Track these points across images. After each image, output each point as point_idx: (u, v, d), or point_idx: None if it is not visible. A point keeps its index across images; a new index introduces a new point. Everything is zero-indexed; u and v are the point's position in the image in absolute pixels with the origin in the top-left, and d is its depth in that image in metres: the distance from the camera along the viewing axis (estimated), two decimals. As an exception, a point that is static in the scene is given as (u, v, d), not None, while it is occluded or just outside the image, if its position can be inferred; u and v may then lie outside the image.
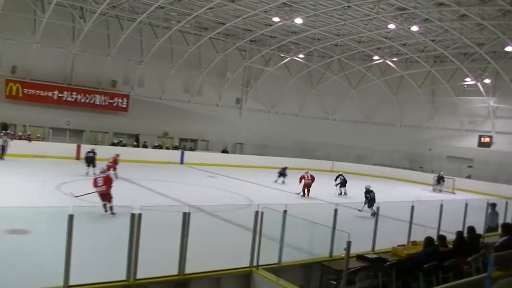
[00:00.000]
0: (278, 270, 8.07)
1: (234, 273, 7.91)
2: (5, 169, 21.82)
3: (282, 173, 26.70)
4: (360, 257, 8.89)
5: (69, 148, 29.20)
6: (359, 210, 17.50)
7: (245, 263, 8.02)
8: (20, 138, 28.29)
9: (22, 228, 10.58)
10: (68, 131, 31.42)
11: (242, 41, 34.70)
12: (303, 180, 22.11)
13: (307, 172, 22.52)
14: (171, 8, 29.17)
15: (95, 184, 13.93)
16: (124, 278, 6.77)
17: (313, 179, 22.25)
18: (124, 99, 33.77)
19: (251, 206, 15.62)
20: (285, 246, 8.34)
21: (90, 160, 22.71)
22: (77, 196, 15.24)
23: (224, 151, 37.04)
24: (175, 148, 34.99)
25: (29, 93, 30.21)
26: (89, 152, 23.27)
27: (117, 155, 22.10)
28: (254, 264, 7.95)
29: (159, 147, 33.96)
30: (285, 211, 8.19)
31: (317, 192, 22.07)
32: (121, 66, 33.67)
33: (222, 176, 27.74)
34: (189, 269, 7.27)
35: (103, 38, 32.22)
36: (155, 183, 21.20)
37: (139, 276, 6.83)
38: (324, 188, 23.59)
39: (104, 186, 13.76)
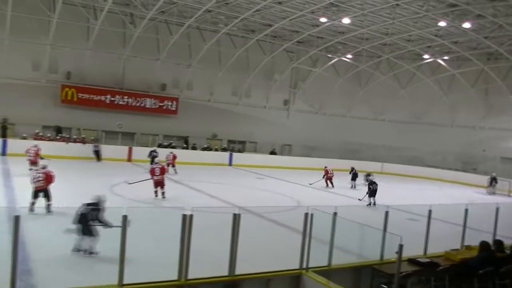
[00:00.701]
0: (328, 272, 8.00)
1: (284, 275, 7.90)
2: (58, 171, 22.55)
3: (354, 177, 26.27)
4: (411, 261, 8.65)
5: (121, 150, 30.07)
6: (359, 199, 20.17)
7: (294, 265, 8.00)
8: (75, 141, 29.34)
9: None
10: (120, 133, 32.28)
11: (289, 43, 34.64)
12: (326, 175, 25.46)
13: (326, 167, 26.07)
14: (218, 12, 29.45)
15: (153, 173, 16.76)
16: (175, 278, 6.89)
17: (333, 173, 25.69)
18: (174, 102, 34.40)
19: (299, 208, 15.62)
20: (334, 248, 8.28)
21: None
22: (130, 183, 18.15)
23: (272, 152, 37.10)
24: (224, 150, 35.30)
25: (83, 97, 31.28)
26: (152, 151, 26.85)
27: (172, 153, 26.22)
28: (304, 266, 7.92)
29: (208, 149, 34.36)
30: (335, 213, 8.13)
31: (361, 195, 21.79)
32: (170, 70, 34.29)
33: (270, 178, 27.78)
34: (239, 270, 7.32)
35: (153, 43, 32.93)
36: (205, 185, 21.47)
37: (190, 276, 6.93)
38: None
39: (160, 176, 16.65)
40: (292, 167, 27.99)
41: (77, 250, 9.12)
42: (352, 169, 27.15)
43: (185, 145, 34.10)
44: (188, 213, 6.73)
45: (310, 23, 30.90)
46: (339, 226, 8.17)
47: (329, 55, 37.61)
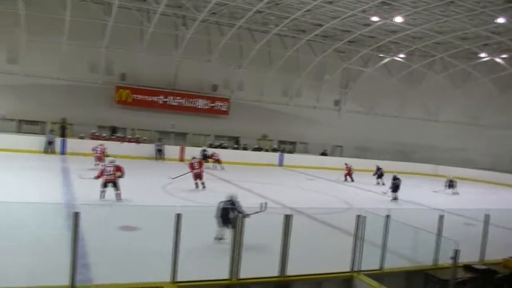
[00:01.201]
0: (379, 276, 7.91)
1: (335, 277, 7.87)
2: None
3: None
4: (467, 267, 8.37)
5: (174, 150, 30.71)
6: (383, 192, 21.79)
7: (345, 267, 7.95)
8: (129, 140, 30.21)
9: (132, 225, 11.27)
10: (173, 133, 32.92)
11: (340, 43, 34.31)
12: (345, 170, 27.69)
13: (347, 164, 28.37)
14: (269, 12, 29.53)
15: (192, 167, 19.00)
16: (227, 277, 7.00)
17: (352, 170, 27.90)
18: (225, 102, 34.79)
19: (350, 210, 15.49)
20: (386, 251, 8.17)
21: (206, 157, 27.87)
22: (173, 178, 19.45)
23: (323, 153, 36.87)
24: (274, 150, 35.36)
25: (137, 98, 32.16)
26: (203, 150, 28.86)
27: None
28: (355, 269, 7.87)
29: (259, 149, 34.53)
30: (387, 216, 8.02)
31: (417, 198, 21.34)
32: (222, 71, 34.69)
33: (320, 179, 27.63)
34: (290, 271, 7.35)
35: (204, 44, 33.39)
36: (255, 185, 21.57)
37: (241, 276, 7.01)
38: (425, 192, 22.70)
39: (199, 169, 18.89)
40: (343, 168, 27.73)
41: (218, 239, 10.19)
42: (379, 168, 27.32)
43: (236, 146, 34.41)
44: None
45: (361, 23, 30.48)
46: (391, 228, 8.06)
47: (381, 55, 36.99)
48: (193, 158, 19.88)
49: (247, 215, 9.20)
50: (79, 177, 18.70)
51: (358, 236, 7.81)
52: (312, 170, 31.35)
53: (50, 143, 27.52)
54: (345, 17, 28.79)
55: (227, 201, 10.39)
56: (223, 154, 29.18)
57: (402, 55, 36.66)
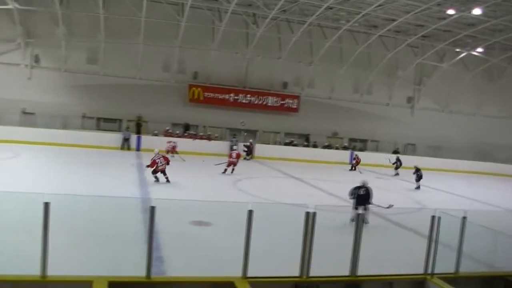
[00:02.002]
0: (454, 280, 7.61)
1: (407, 279, 7.68)
2: (187, 166, 23.87)
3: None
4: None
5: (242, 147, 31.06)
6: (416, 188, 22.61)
7: (418, 269, 7.74)
8: (201, 137, 30.93)
9: (204, 220, 11.53)
10: (243, 131, 33.33)
11: (413, 37, 33.26)
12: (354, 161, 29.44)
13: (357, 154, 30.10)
14: (340, 8, 29.17)
15: (230, 156, 22.38)
16: (297, 274, 7.01)
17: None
18: (295, 100, 34.75)
19: (423, 210, 15.04)
20: (461, 254, 7.87)
21: (250, 152, 29.77)
22: (216, 164, 21.98)
23: (395, 151, 35.94)
24: (344, 148, 34.93)
25: (208, 96, 32.82)
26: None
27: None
28: (429, 271, 7.64)
29: (329, 147, 34.24)
30: (464, 218, 7.72)
31: (495, 199, 20.39)
32: (292, 68, 34.65)
33: (391, 177, 27.01)
34: (361, 270, 7.25)
35: (275, 42, 33.52)
36: (325, 183, 21.45)
37: (311, 274, 7.00)
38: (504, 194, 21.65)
39: (235, 159, 21.95)
40: (412, 168, 26.87)
41: (351, 220, 11.41)
42: (417, 169, 24.87)
43: (306, 143, 34.30)
44: (311, 210, 6.81)
45: (436, 16, 29.38)
46: (468, 231, 7.75)
47: (457, 49, 35.45)
48: (233, 150, 24.54)
49: (389, 206, 11.81)
50: (131, 165, 20.49)
51: (432, 238, 7.57)
52: (383, 168, 30.65)
53: (126, 139, 28.70)
54: (419, 11, 27.82)
55: (361, 187, 12.49)
56: (292, 151, 29.23)
57: (479, 49, 34.92)
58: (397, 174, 28.51)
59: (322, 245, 7.29)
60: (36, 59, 30.41)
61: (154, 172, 17.41)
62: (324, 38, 33.21)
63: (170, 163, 18.19)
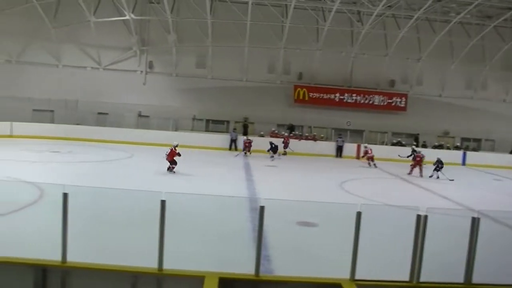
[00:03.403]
0: None
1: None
2: (291, 166, 24.01)
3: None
4: None
5: (350, 147, 30.64)
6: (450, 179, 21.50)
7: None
8: (306, 138, 30.99)
9: (309, 221, 11.52)
10: (349, 131, 32.86)
11: (534, 27, 30.83)
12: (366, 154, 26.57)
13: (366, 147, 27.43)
14: (449, 0, 27.81)
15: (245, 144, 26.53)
16: (407, 279, 6.80)
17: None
18: (403, 98, 33.62)
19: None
20: None
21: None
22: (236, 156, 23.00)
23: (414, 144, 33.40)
24: (456, 148, 33.17)
25: (313, 96, 32.79)
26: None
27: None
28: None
29: (439, 147, 32.69)
30: None
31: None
32: (399, 65, 33.58)
33: (510, 180, 25.21)
34: (476, 278, 6.86)
35: (380, 39, 32.73)
36: (436, 185, 20.55)
37: (423, 279, 6.76)
38: None
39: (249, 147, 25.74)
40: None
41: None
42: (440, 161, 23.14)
43: (415, 143, 33.01)
44: (422, 213, 6.58)
45: (561, 3, 27.01)
46: None
47: None
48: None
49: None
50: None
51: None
52: (500, 169, 28.69)
53: (233, 140, 29.50)
54: (540, -2, 25.75)
55: None
56: (400, 151, 28.16)
57: None
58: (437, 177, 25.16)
59: (433, 249, 7.02)
60: (150, 65, 32.41)
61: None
62: (432, 33, 31.78)
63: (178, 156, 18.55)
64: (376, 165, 25.90)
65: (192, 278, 6.46)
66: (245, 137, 28.31)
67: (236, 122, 32.31)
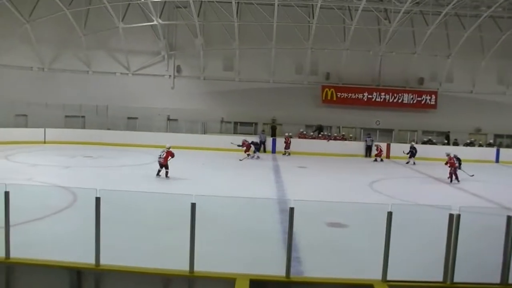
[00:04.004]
0: None
1: None
2: (320, 167, 23.92)
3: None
4: None
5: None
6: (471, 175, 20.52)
7: None
8: (335, 138, 30.81)
9: (340, 221, 11.47)
10: (378, 130, 32.53)
11: None
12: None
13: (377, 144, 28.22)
14: (479, -5, 27.35)
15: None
16: (440, 279, 6.71)
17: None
18: (432, 96, 33.11)
19: None
20: None
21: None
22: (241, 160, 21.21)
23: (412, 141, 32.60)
24: (489, 145, 32.46)
25: (341, 96, 32.61)
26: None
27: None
28: None
29: (471, 144, 32.05)
30: None
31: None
32: (428, 63, 33.12)
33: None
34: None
35: (408, 36, 32.35)
36: (469, 183, 20.17)
37: (456, 279, 6.66)
38: None
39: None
40: None
41: None
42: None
43: (445, 141, 32.49)
44: (455, 212, 6.48)
45: None
46: None
47: None
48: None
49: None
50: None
51: None
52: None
53: (262, 142, 29.47)
54: None
55: None
56: (430, 150, 27.94)
57: None
58: (413, 163, 26.75)
59: (467, 249, 6.91)
60: (178, 69, 32.78)
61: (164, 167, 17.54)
62: (462, 28, 31.24)
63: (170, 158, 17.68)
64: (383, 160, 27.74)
65: (223, 280, 6.52)
66: (245, 139, 26.42)
67: (264, 123, 32.37)
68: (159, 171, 17.68)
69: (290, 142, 28.81)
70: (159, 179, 17.48)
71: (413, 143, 28.38)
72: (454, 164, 19.91)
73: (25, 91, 28.90)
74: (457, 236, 6.51)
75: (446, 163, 20.17)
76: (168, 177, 17.52)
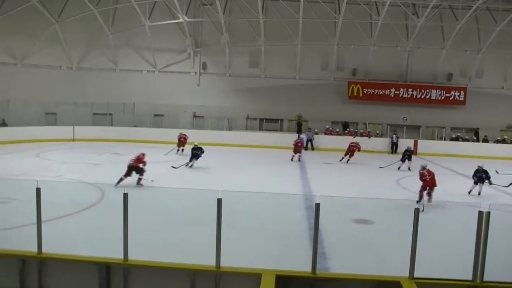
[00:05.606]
0: None
1: None
2: (346, 163, 23.71)
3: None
4: None
5: (406, 143, 29.73)
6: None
7: None
8: (361, 135, 30.53)
9: (366, 218, 11.38)
10: (405, 127, 32.11)
11: None
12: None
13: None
14: (512, -13, 26.71)
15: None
16: (469, 278, 6.58)
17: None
18: (461, 92, 32.49)
19: None
20: None
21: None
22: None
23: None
24: (521, 142, 31.72)
25: (368, 92, 32.29)
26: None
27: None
28: None
29: (502, 141, 31.36)
30: None
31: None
32: (457, 58, 32.47)
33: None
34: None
35: (437, 31, 31.76)
36: (498, 181, 19.71)
37: (486, 278, 6.52)
38: None
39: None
40: None
41: None
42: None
43: (475, 138, 31.88)
44: (485, 210, 6.34)
45: None
46: None
47: None
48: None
49: None
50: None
51: None
52: None
53: (310, 140, 29.20)
54: None
55: None
56: (460, 147, 27.37)
57: None
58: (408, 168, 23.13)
59: (497, 247, 6.76)
60: (204, 66, 32.92)
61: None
62: (493, 23, 30.56)
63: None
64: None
65: (249, 276, 6.52)
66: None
67: (289, 120, 32.35)
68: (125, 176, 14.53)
69: (302, 145, 25.01)
70: (185, 173, 17.59)
71: (409, 146, 24.17)
72: (430, 182, 13.05)
73: (54, 90, 29.43)
74: (487, 234, 6.37)
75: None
76: (141, 184, 14.80)
